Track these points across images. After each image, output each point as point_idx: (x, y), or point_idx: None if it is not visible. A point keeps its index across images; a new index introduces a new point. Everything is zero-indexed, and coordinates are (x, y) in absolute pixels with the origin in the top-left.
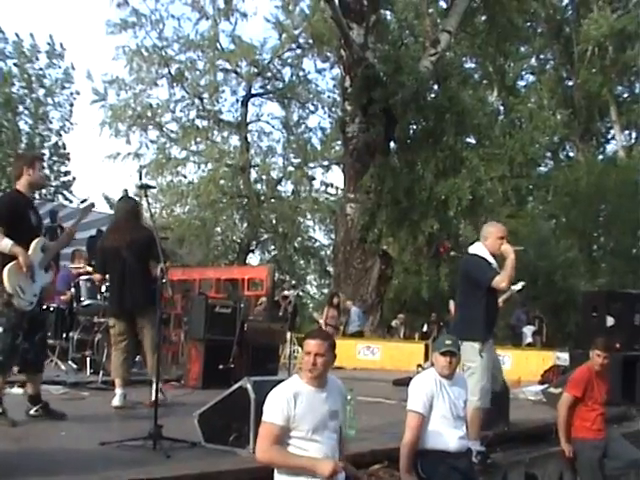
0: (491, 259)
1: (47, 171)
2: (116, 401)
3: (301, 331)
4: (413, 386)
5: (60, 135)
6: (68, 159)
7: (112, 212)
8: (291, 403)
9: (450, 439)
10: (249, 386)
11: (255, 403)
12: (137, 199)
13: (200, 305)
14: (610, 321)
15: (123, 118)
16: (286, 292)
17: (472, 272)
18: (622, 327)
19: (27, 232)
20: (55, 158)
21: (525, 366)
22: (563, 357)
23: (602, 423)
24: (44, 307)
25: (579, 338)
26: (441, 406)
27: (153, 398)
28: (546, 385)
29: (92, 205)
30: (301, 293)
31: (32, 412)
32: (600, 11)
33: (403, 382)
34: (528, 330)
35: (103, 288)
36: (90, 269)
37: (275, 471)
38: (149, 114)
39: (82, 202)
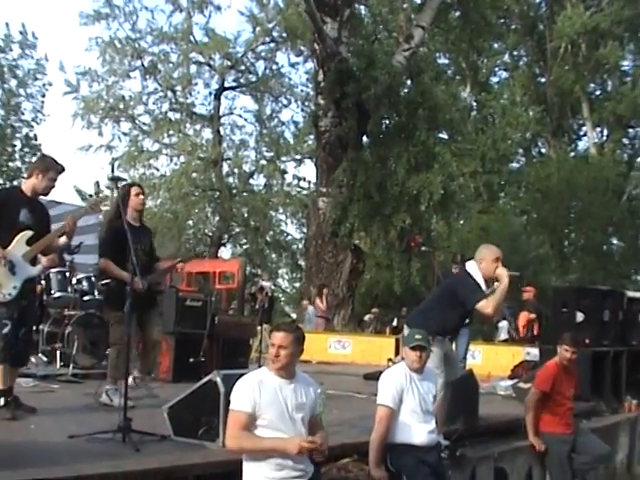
0: (482, 283)
1: (19, 163)
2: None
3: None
4: (383, 380)
5: (32, 126)
6: (40, 151)
7: (83, 204)
8: (256, 391)
9: (419, 433)
10: (218, 379)
11: (224, 396)
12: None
13: (170, 298)
14: (580, 317)
15: (95, 110)
16: (263, 283)
17: (460, 291)
18: (591, 323)
19: (12, 228)
20: (26, 150)
21: (495, 361)
22: (533, 352)
23: (571, 418)
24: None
25: (549, 334)
26: (411, 400)
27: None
28: (516, 380)
29: (100, 200)
30: (273, 287)
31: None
32: (573, 8)
33: (373, 376)
34: (503, 325)
35: (74, 280)
36: None
37: (243, 462)
38: (121, 106)
39: (90, 196)
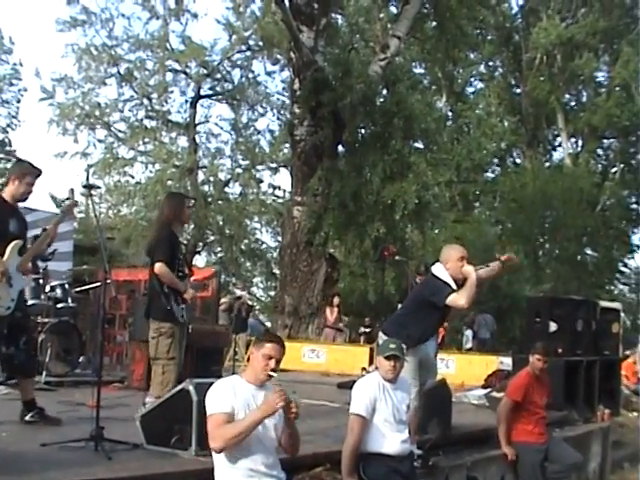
0: (452, 282)
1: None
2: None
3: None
4: (356, 389)
5: (7, 132)
6: (14, 157)
7: (58, 211)
8: (231, 394)
9: (392, 442)
10: (191, 388)
11: (197, 405)
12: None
13: (144, 306)
14: (553, 326)
15: (71, 117)
16: (238, 292)
17: (428, 292)
18: (565, 332)
19: (3, 239)
20: (1, 155)
21: (469, 370)
22: (506, 362)
23: (543, 427)
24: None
25: (523, 343)
26: (384, 410)
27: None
28: (489, 389)
29: (74, 204)
30: (248, 295)
31: (27, 418)
32: (549, 20)
33: (347, 385)
34: (468, 334)
35: (47, 288)
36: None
37: (215, 470)
38: (97, 113)
39: (63, 202)
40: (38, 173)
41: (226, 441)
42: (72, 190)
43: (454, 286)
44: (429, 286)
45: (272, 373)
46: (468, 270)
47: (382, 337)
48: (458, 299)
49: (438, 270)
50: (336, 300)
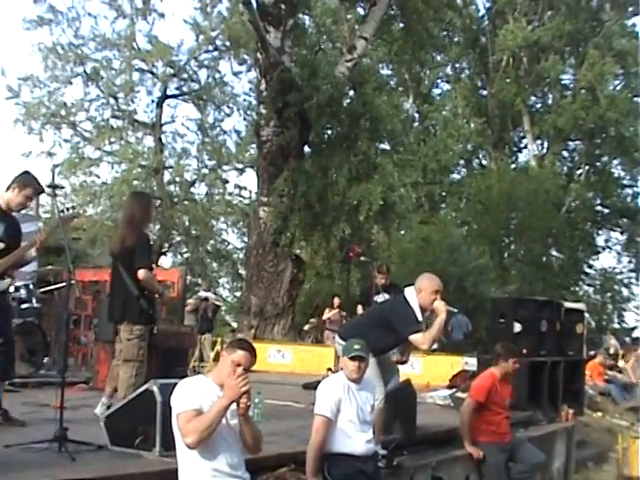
0: (419, 313)
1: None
2: (98, 410)
3: (219, 334)
4: (321, 390)
5: None
6: None
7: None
8: (198, 392)
9: (357, 443)
10: (155, 389)
11: (161, 406)
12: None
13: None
14: (517, 327)
15: (37, 116)
16: (203, 293)
17: (396, 319)
18: (529, 333)
19: None
20: None
21: (434, 370)
22: (471, 362)
23: (507, 427)
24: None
25: (488, 344)
26: (348, 410)
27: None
28: (454, 390)
29: (75, 216)
30: (214, 296)
31: None
32: (516, 22)
33: (312, 386)
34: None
35: (12, 289)
36: None
37: (179, 471)
38: (63, 113)
39: (61, 212)
40: (40, 190)
41: (200, 433)
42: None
43: (420, 317)
44: (397, 312)
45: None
46: (440, 307)
47: (339, 341)
48: (421, 342)
49: (410, 295)
50: (336, 301)
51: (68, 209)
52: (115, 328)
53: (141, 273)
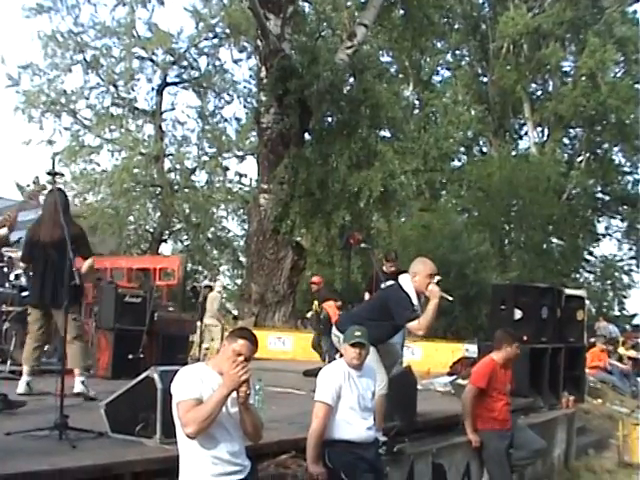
0: (414, 298)
1: None
2: (21, 388)
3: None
4: (321, 377)
5: None
6: None
7: (27, 200)
8: (199, 381)
9: (357, 429)
10: (156, 376)
11: (162, 393)
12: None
13: (110, 294)
14: (518, 314)
15: (37, 104)
16: (210, 283)
17: (392, 306)
18: (530, 320)
19: None
20: None
21: (435, 357)
22: (472, 349)
23: (508, 413)
24: None
25: (488, 330)
26: (349, 397)
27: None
28: (454, 376)
29: (39, 190)
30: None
31: None
32: (516, 9)
33: (313, 373)
34: None
35: (12, 276)
36: None
37: (180, 458)
38: (63, 100)
39: (28, 186)
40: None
41: (199, 423)
42: (37, 177)
43: (415, 300)
44: (394, 299)
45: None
46: (434, 291)
47: (335, 333)
48: (417, 327)
49: (404, 281)
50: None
51: (35, 182)
52: (48, 309)
53: (92, 262)
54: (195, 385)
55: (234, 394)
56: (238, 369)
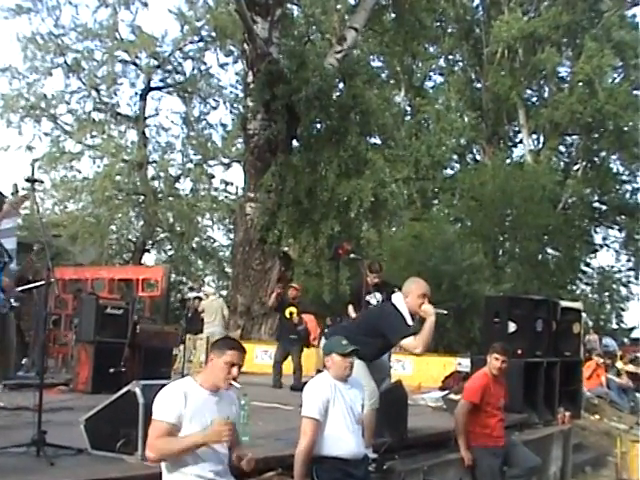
0: (408, 317)
1: None
2: None
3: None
4: (307, 391)
5: None
6: None
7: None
8: (182, 401)
9: (347, 445)
10: (137, 390)
11: (144, 408)
12: None
13: (90, 305)
14: (512, 327)
15: (15, 108)
16: (197, 294)
17: (384, 324)
18: (524, 333)
19: None
20: None
21: (426, 372)
22: (464, 363)
23: (502, 430)
24: None
25: (482, 344)
26: (337, 410)
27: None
28: (446, 391)
29: (22, 199)
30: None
31: None
32: (511, 13)
33: (300, 387)
34: None
35: None
36: None
37: (163, 476)
38: (43, 105)
39: (12, 194)
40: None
41: (161, 455)
42: (15, 185)
43: (410, 321)
44: (386, 318)
45: (234, 382)
46: (428, 310)
47: (324, 342)
48: (413, 346)
49: (397, 300)
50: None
51: (16, 192)
52: None
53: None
54: (175, 407)
55: (224, 413)
56: (225, 429)
